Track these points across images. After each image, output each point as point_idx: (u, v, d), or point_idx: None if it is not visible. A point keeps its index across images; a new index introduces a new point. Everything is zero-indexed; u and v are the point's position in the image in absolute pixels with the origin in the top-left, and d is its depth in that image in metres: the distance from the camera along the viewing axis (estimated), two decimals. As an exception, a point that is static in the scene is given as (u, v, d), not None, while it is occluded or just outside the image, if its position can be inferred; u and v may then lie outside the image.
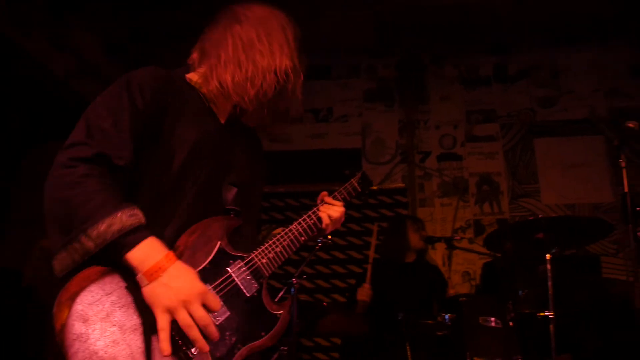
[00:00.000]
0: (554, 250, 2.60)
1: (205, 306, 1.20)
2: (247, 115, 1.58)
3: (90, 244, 1.14)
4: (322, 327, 2.82)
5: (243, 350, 1.29)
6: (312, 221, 1.61)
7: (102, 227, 1.15)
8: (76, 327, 1.07)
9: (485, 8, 4.61)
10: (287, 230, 1.54)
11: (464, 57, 5.26)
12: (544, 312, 2.50)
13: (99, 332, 1.09)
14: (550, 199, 4.84)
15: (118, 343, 1.10)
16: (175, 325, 1.17)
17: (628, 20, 4.71)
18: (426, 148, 5.10)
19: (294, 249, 1.54)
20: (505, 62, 5.23)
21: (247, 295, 1.36)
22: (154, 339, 1.15)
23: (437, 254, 4.73)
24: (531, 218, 2.58)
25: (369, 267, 3.48)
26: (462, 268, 4.73)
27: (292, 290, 2.31)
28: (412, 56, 5.30)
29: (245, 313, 1.32)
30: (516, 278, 3.39)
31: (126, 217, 1.18)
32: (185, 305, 1.17)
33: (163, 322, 1.16)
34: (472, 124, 5.12)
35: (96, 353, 1.07)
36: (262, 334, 1.35)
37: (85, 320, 1.08)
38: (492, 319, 2.46)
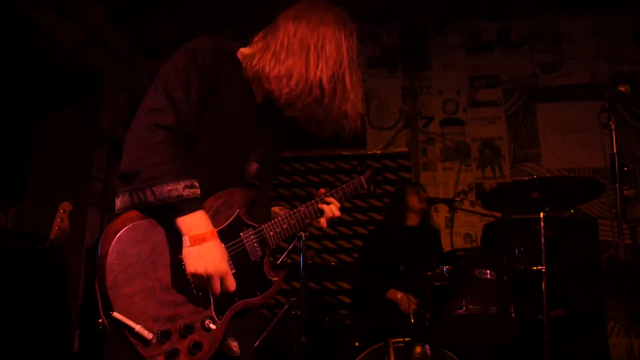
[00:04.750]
0: (547, 209, 2.72)
1: (222, 284, 1.40)
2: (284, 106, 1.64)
3: (151, 199, 1.35)
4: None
5: (239, 303, 1.50)
6: (314, 210, 1.75)
7: (166, 189, 1.35)
8: (116, 253, 1.30)
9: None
10: (295, 211, 1.70)
11: (466, 23, 5.27)
12: (536, 267, 2.64)
13: (133, 258, 1.33)
14: (551, 163, 4.92)
15: (145, 269, 1.34)
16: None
17: (631, -15, 4.71)
18: (429, 113, 5.17)
19: (298, 229, 1.70)
20: (508, 28, 5.24)
21: (252, 259, 1.55)
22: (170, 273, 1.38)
23: (439, 217, 4.87)
24: (527, 178, 2.70)
25: None
26: (464, 230, 4.86)
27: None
28: (415, 23, 5.33)
29: (247, 274, 1.53)
30: (514, 237, 3.53)
31: (186, 189, 1.38)
32: (209, 277, 1.38)
33: (194, 281, 1.38)
34: (474, 90, 5.19)
35: (127, 271, 1.31)
36: (258, 293, 1.55)
37: (123, 249, 1.32)
38: (488, 271, 2.60)
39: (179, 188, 1.36)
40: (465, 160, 5.02)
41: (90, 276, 4.21)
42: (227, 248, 1.48)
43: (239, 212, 1.55)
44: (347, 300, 4.66)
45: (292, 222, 1.67)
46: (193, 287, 1.40)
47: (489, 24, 5.26)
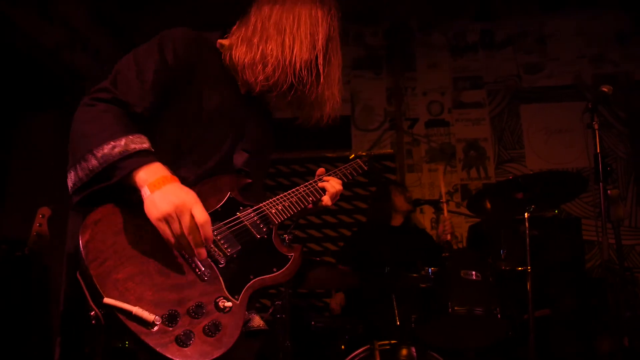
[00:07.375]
0: (531, 209, 2.73)
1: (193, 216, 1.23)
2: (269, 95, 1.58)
3: (94, 162, 1.23)
4: (311, 280, 2.96)
5: (256, 281, 1.35)
6: (316, 188, 1.67)
7: (106, 148, 1.23)
8: (100, 240, 1.20)
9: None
10: (294, 189, 1.61)
11: (451, 24, 5.30)
12: (521, 267, 2.64)
13: (119, 245, 1.22)
14: (535, 164, 4.96)
15: (134, 254, 1.22)
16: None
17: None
18: (414, 115, 5.18)
19: (302, 207, 1.60)
20: (492, 29, 5.28)
21: (257, 236, 1.44)
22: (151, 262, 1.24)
23: (425, 218, 4.87)
24: (511, 177, 2.70)
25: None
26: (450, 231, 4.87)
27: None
28: (400, 24, 5.33)
29: (256, 251, 1.41)
30: (499, 238, 3.53)
31: (131, 143, 1.26)
32: (178, 213, 1.21)
33: (165, 232, 1.21)
34: (459, 91, 5.20)
35: (114, 257, 1.19)
36: (274, 269, 1.40)
37: (106, 235, 1.21)
38: (473, 272, 2.60)
39: (121, 143, 1.24)
40: (450, 162, 5.03)
41: (72, 281, 4.12)
42: (224, 225, 1.38)
43: (230, 194, 1.46)
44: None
45: (294, 199, 1.58)
46: (183, 258, 1.24)
47: (473, 25, 5.29)
